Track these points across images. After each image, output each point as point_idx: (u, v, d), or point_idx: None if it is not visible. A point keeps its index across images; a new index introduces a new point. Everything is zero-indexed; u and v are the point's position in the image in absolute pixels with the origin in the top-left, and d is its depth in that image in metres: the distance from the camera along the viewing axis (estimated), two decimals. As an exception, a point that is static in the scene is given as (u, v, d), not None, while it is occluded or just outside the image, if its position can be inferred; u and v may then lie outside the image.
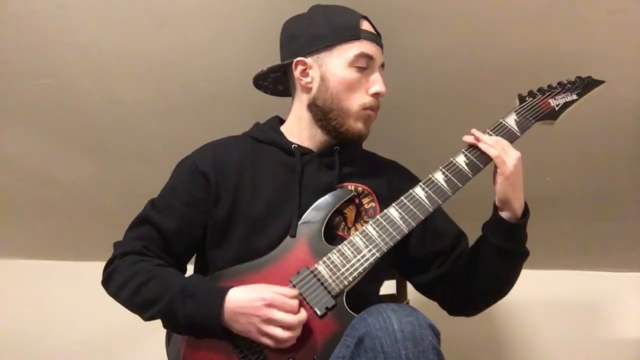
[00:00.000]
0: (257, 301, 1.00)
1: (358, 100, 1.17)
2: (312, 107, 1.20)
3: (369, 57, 1.17)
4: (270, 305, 0.99)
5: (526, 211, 1.13)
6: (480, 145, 1.12)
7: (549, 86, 1.25)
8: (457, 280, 1.19)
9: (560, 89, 1.24)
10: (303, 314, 1.01)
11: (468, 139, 1.14)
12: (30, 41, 1.51)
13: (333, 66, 1.17)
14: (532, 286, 1.93)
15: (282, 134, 1.24)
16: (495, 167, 1.11)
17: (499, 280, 1.17)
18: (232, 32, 1.48)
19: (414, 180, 1.20)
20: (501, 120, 1.18)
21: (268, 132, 1.25)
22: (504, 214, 1.12)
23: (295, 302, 1.01)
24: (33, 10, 1.43)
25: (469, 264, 1.18)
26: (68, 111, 1.67)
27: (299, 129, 1.23)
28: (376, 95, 1.18)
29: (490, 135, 1.14)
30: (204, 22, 1.46)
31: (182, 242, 1.18)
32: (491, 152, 1.10)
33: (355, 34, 1.17)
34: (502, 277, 1.17)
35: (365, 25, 1.20)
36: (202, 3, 1.42)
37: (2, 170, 1.83)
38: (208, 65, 1.55)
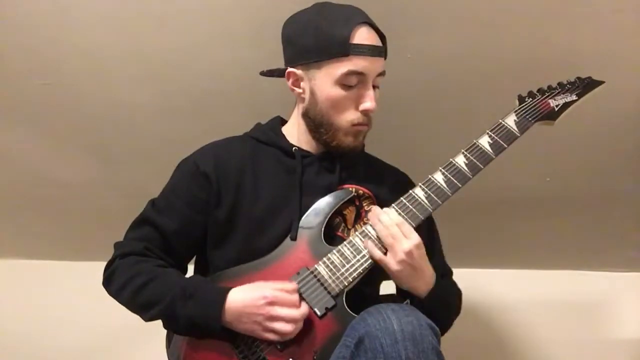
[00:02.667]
0: (259, 300, 1.00)
1: (347, 117, 1.14)
2: (305, 117, 1.19)
3: (359, 74, 1.11)
4: (272, 303, 1.00)
5: (435, 286, 1.10)
6: (366, 242, 1.09)
7: (548, 87, 1.25)
8: None
9: (559, 90, 1.24)
10: (305, 307, 1.03)
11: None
12: (30, 41, 1.51)
13: (321, 82, 1.13)
14: (532, 286, 1.93)
15: (283, 135, 1.24)
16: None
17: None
18: (232, 32, 1.48)
19: (412, 187, 1.20)
20: (501, 120, 1.18)
21: (269, 134, 1.25)
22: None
23: (295, 296, 1.03)
24: (33, 10, 1.43)
25: None
26: (68, 111, 1.66)
27: (298, 133, 1.23)
28: (366, 112, 1.14)
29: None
30: (204, 22, 1.46)
31: (183, 242, 1.18)
32: (375, 255, 1.07)
33: (344, 51, 1.09)
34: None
35: (359, 37, 1.11)
36: (202, 3, 1.42)
37: (2, 170, 1.83)
38: (208, 65, 1.55)
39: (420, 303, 1.09)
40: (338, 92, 1.12)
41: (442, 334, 1.12)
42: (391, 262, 1.05)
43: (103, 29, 1.48)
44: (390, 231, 1.06)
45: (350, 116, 1.14)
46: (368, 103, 1.13)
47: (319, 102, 1.15)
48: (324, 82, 1.13)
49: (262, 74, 1.27)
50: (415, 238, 1.05)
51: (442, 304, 1.13)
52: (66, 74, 1.57)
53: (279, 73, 1.24)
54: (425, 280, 1.09)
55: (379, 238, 1.08)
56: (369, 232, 1.09)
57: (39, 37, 1.50)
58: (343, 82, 1.12)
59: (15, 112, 1.68)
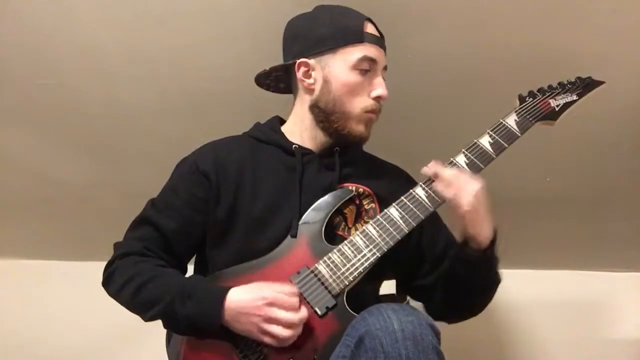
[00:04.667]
0: (258, 300, 1.00)
1: (360, 104, 1.18)
2: (314, 108, 1.20)
3: (372, 60, 1.17)
4: (271, 304, 0.99)
5: (493, 240, 1.10)
6: (436, 184, 1.10)
7: (549, 86, 1.25)
8: (440, 293, 1.19)
9: (560, 90, 1.24)
10: (304, 312, 1.01)
11: (427, 172, 1.12)
12: (30, 41, 1.51)
13: (336, 69, 1.17)
14: (532, 286, 1.94)
15: (282, 134, 1.24)
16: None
17: (473, 296, 1.17)
18: (232, 32, 1.48)
19: (413, 184, 1.20)
20: (501, 120, 1.18)
21: (269, 132, 1.25)
22: (468, 247, 1.10)
23: (295, 300, 1.01)
24: (33, 10, 1.43)
25: (448, 278, 1.17)
26: (68, 111, 1.67)
27: (300, 130, 1.23)
28: (378, 98, 1.18)
29: (455, 167, 1.12)
30: (204, 22, 1.46)
31: (183, 242, 1.18)
32: (446, 194, 1.08)
33: (359, 37, 1.17)
34: (475, 294, 1.17)
35: (369, 28, 1.20)
36: (202, 3, 1.42)
37: (2, 170, 1.83)
38: (208, 65, 1.55)
39: (482, 253, 1.08)
40: (354, 77, 1.16)
41: (489, 301, 1.16)
42: (462, 202, 1.05)
43: (103, 29, 1.48)
44: (458, 174, 1.08)
45: (363, 103, 1.18)
46: (380, 89, 1.18)
47: (333, 90, 1.17)
48: (339, 68, 1.17)
49: (259, 82, 1.28)
50: (480, 181, 1.07)
51: (497, 260, 1.13)
52: (66, 74, 1.58)
53: (276, 77, 1.27)
54: (487, 226, 1.08)
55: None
56: (370, 231, 1.09)
57: (39, 37, 1.50)
58: (358, 67, 1.16)
59: (16, 112, 1.68)
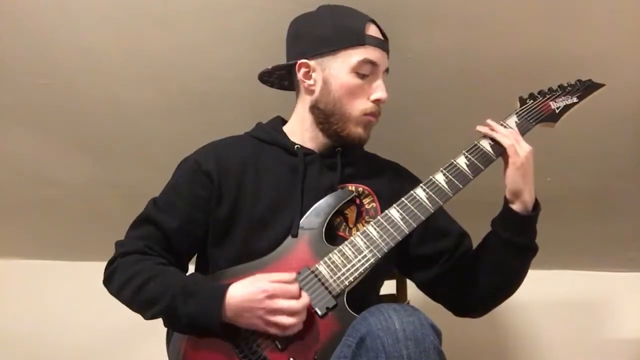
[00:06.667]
0: (258, 294, 1.00)
1: (359, 106, 1.18)
2: (314, 109, 1.20)
3: (372, 64, 1.17)
4: (272, 296, 1.00)
5: (537, 205, 1.13)
6: (494, 134, 1.14)
7: (549, 89, 1.25)
8: (462, 279, 1.19)
9: (560, 92, 1.24)
10: (305, 298, 1.02)
11: (482, 129, 1.15)
12: (30, 41, 1.51)
13: (336, 70, 1.17)
14: (532, 286, 1.93)
15: (284, 134, 1.25)
16: (507, 158, 1.11)
17: (507, 275, 1.17)
18: (232, 32, 1.48)
19: (414, 181, 1.20)
20: (502, 122, 1.19)
21: (271, 132, 1.25)
22: (514, 206, 1.12)
23: (295, 287, 1.02)
24: (34, 10, 1.43)
25: (476, 261, 1.17)
26: (68, 111, 1.66)
27: (302, 130, 1.24)
28: (377, 101, 1.18)
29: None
30: (204, 21, 1.46)
31: (184, 241, 1.18)
32: (505, 141, 1.12)
33: (360, 40, 1.17)
34: (511, 273, 1.17)
35: (371, 30, 1.19)
36: (202, 3, 1.42)
37: (2, 170, 1.83)
38: (208, 65, 1.55)
39: (526, 215, 1.11)
40: (353, 79, 1.16)
41: (525, 274, 1.18)
42: (519, 152, 1.10)
43: (103, 29, 1.48)
44: (512, 131, 1.15)
45: (362, 105, 1.18)
46: (380, 93, 1.18)
47: (333, 91, 1.17)
48: (339, 70, 1.17)
49: (262, 79, 1.28)
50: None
51: (535, 228, 1.14)
52: (66, 74, 1.57)
53: (279, 75, 1.27)
54: (532, 187, 1.12)
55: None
56: (370, 232, 1.09)
57: (39, 37, 1.50)
58: (358, 70, 1.16)
59: (15, 112, 1.68)
